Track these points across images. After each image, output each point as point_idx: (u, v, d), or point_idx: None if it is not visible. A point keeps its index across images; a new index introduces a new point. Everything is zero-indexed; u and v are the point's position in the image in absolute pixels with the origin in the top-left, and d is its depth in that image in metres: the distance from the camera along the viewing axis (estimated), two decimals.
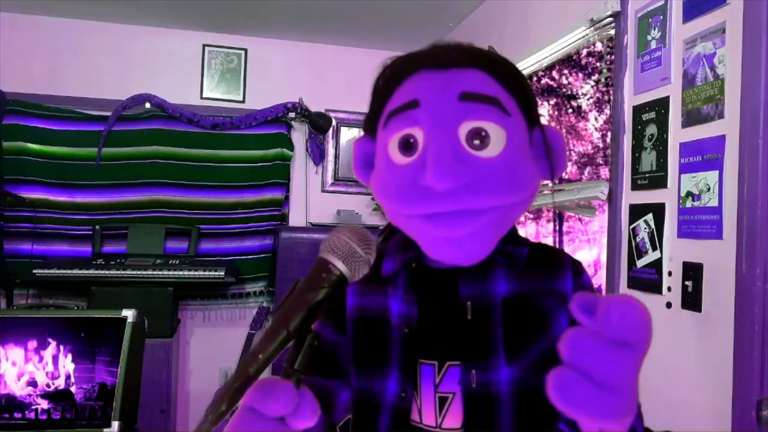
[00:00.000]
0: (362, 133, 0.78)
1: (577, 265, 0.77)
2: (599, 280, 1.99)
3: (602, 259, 2.02)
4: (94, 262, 2.97)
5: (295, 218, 3.59)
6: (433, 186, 0.62)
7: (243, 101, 3.55)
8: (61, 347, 1.76)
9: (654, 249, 1.62)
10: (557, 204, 2.23)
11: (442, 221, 0.65)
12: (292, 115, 3.51)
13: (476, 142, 0.64)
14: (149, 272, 2.95)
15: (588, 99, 2.33)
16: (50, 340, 1.76)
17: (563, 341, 0.44)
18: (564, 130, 2.54)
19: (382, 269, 0.77)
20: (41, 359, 1.74)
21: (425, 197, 0.64)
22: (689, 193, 1.49)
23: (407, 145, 0.67)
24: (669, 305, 1.56)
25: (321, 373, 0.80)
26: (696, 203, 1.47)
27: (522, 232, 0.86)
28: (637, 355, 0.44)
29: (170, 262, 3.07)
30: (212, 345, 3.45)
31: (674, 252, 1.56)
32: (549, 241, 2.69)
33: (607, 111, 2.04)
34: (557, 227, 2.70)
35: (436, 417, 0.71)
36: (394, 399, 0.73)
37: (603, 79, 1.94)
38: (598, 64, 2.11)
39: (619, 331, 0.43)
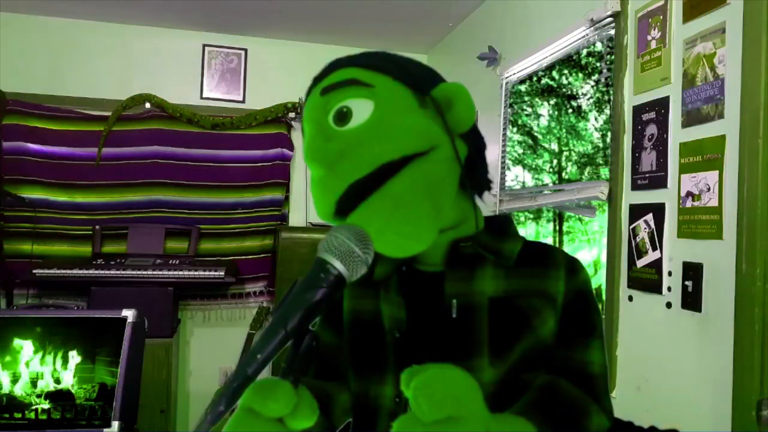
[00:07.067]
0: None
1: (572, 264, 0.75)
2: (599, 280, 1.99)
3: (602, 259, 2.01)
4: (94, 262, 2.97)
5: (295, 218, 3.59)
6: (316, 170, 0.69)
7: (243, 101, 3.55)
8: (61, 347, 1.75)
9: (654, 249, 1.62)
10: (557, 204, 2.22)
11: (342, 202, 0.67)
12: (292, 115, 3.51)
13: (340, 119, 0.69)
14: (149, 272, 2.94)
15: (588, 99, 2.32)
16: (50, 340, 1.75)
17: None
18: (564, 131, 2.53)
19: (374, 272, 0.77)
20: (41, 359, 1.74)
21: (318, 184, 0.70)
22: (689, 193, 1.49)
23: None
24: (669, 305, 1.56)
25: (320, 375, 0.79)
26: (696, 203, 1.47)
27: (522, 232, 0.85)
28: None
29: (170, 262, 3.07)
30: (212, 345, 3.45)
31: (674, 252, 1.55)
32: (549, 241, 2.69)
33: (607, 111, 2.04)
34: (557, 227, 2.70)
35: None
36: (390, 403, 0.73)
37: (603, 79, 1.94)
38: (598, 64, 2.11)
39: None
